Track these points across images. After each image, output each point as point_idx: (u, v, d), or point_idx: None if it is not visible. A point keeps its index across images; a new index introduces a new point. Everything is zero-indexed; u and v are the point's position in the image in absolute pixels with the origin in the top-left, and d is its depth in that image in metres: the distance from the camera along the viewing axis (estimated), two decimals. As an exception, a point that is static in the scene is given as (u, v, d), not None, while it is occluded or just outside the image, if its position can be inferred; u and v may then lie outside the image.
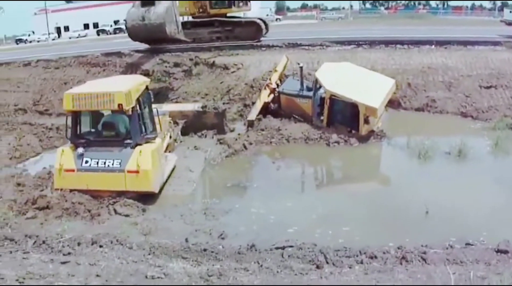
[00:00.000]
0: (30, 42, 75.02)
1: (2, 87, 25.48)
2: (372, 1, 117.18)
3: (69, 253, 7.27)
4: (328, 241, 8.13)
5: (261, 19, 29.94)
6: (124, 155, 11.05)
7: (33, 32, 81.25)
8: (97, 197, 11.03)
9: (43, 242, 7.88)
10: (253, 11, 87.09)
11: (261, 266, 6.45)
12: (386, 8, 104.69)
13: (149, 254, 7.39)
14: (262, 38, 27.97)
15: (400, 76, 20.18)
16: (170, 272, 6.13)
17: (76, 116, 11.55)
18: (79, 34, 78.20)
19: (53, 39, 76.07)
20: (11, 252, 7.27)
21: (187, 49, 26.00)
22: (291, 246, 7.55)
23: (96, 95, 10.97)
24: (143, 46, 26.25)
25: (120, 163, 10.97)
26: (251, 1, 31.37)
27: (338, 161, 14.57)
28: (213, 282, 5.78)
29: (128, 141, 11.26)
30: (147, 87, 12.40)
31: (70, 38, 75.09)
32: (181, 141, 15.90)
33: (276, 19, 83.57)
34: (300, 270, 6.16)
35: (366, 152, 14.45)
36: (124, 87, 11.08)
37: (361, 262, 6.61)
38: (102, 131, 11.78)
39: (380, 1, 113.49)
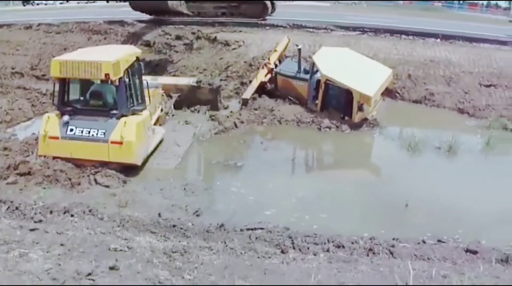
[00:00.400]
0: (38, 4, 74.59)
1: (2, 49, 25.25)
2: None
3: (40, 221, 7.26)
4: (301, 226, 8.12)
5: (267, -3, 29.64)
6: (109, 126, 10.97)
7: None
8: (80, 166, 10.97)
9: (16, 208, 7.88)
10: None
11: (226, 246, 6.40)
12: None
13: (118, 226, 7.36)
14: (267, 17, 27.67)
15: (402, 66, 20.01)
16: (135, 245, 6.07)
17: (64, 83, 11.45)
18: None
19: (61, 3, 75.68)
20: None
21: (191, 22, 25.72)
22: (262, 228, 7.51)
23: (84, 63, 10.82)
24: (147, 16, 26.00)
25: (104, 133, 10.90)
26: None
27: (327, 146, 14.54)
28: (175, 259, 5.73)
29: (114, 111, 11.18)
30: (138, 59, 12.24)
31: (78, 2, 74.55)
32: (173, 115, 15.82)
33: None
34: (264, 253, 6.11)
35: (356, 139, 14.32)
36: (112, 57, 10.95)
37: (327, 250, 6.56)
38: (90, 100, 11.69)
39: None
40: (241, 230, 7.56)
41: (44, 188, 10.15)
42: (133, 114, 11.42)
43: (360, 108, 14.60)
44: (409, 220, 9.01)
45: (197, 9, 27.16)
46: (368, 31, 24.89)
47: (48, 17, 30.29)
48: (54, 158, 11.02)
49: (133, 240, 6.45)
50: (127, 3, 24.41)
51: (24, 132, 14.39)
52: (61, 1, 75.88)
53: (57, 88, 11.43)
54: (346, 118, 15.01)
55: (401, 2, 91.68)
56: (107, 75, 10.61)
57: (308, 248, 6.57)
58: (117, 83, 10.92)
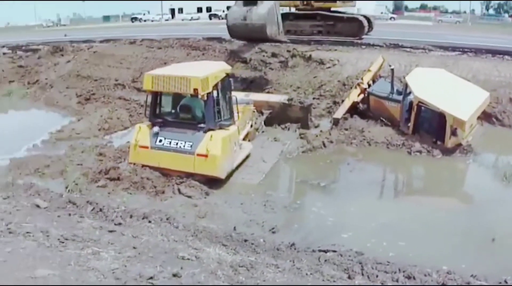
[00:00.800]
0: (145, 21, 78.46)
1: (107, 62, 26.97)
2: (496, 7, 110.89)
3: (119, 224, 7.62)
4: (376, 252, 7.87)
5: (365, 16, 29.36)
6: (196, 138, 11.42)
7: (148, 12, 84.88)
8: (166, 175, 11.50)
9: (100, 210, 8.35)
10: (368, 8, 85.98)
11: (293, 265, 6.39)
12: (511, 16, 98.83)
13: (192, 236, 7.54)
14: (364, 36, 27.41)
15: (503, 89, 18.84)
16: (203, 256, 6.20)
17: (156, 96, 12.14)
18: (191, 17, 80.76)
19: (166, 20, 79.20)
20: (69, 215, 7.72)
21: (288, 40, 26.04)
22: (334, 251, 7.41)
23: (174, 78, 11.39)
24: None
25: (191, 146, 11.36)
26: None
27: (415, 171, 14.05)
28: (240, 273, 5.81)
29: (202, 125, 11.64)
30: (227, 75, 12.58)
31: (182, 20, 77.76)
32: (263, 131, 16.05)
33: (390, 18, 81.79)
34: (329, 277, 6.04)
35: (447, 165, 13.67)
36: (201, 73, 11.39)
37: (396, 280, 6.35)
38: (180, 113, 12.24)
39: (505, 8, 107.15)
40: (313, 250, 7.50)
41: (130, 193, 10.75)
42: (220, 128, 11.80)
43: (454, 133, 13.99)
44: (493, 257, 8.38)
45: (293, 28, 27.51)
46: (468, 51, 23.93)
47: (151, 33, 31.75)
48: (142, 166, 11.66)
49: (203, 250, 6.59)
50: (223, 21, 24.94)
51: (120, 140, 15.23)
52: (166, 19, 79.61)
53: (149, 100, 12.09)
54: (439, 142, 14.42)
55: (510, 19, 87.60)
56: (195, 90, 11.07)
57: (376, 276, 6.38)
58: (205, 97, 11.36)
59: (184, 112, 12.13)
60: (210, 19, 75.47)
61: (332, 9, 28.63)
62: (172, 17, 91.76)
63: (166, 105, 12.68)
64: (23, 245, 5.42)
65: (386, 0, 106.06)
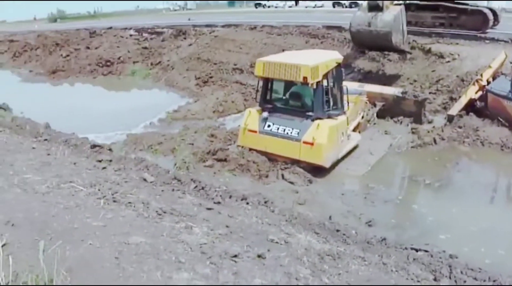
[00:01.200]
0: (269, 7, 79.24)
1: (227, 46, 27.79)
2: None
3: (218, 202, 7.89)
4: (471, 258, 7.52)
5: (490, 9, 27.78)
6: (304, 126, 11.64)
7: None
8: (272, 160, 11.85)
9: (202, 188, 8.68)
10: (499, 1, 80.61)
11: (381, 260, 6.37)
12: None
13: (286, 221, 7.70)
14: (489, 30, 26.02)
15: None
16: (293, 241, 6.30)
17: (267, 82, 12.52)
18: (315, 4, 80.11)
19: (290, 7, 79.23)
20: (173, 190, 8.08)
21: (408, 32, 25.34)
22: (425, 251, 7.30)
23: (285, 65, 11.63)
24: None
25: (298, 133, 11.61)
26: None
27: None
28: (325, 262, 5.91)
29: (310, 113, 11.82)
30: (339, 65, 12.62)
31: (306, 7, 77.42)
32: (374, 123, 15.94)
33: (525, 10, 76.53)
34: (415, 276, 5.95)
35: None
36: (312, 62, 11.54)
37: (484, 289, 6.18)
38: (289, 100, 12.52)
39: None
40: (404, 248, 7.42)
41: (235, 175, 11.21)
42: (328, 117, 11.94)
43: None
44: None
45: (414, 19, 26.68)
46: None
47: (272, 19, 32.13)
48: (250, 149, 12.12)
49: (294, 236, 6.69)
50: (350, 9, 24.58)
51: (232, 123, 15.75)
52: (289, 5, 79.78)
53: (261, 86, 12.47)
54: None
55: None
56: (305, 78, 11.27)
57: (464, 281, 6.20)
58: (314, 86, 11.53)
59: (294, 100, 12.38)
60: (334, 7, 74.50)
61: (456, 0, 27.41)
62: (296, 4, 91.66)
63: (277, 92, 12.99)
64: (124, 213, 5.78)
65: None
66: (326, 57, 12.48)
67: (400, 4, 19.62)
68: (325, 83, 11.92)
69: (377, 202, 10.29)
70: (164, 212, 6.26)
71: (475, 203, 10.83)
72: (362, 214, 9.51)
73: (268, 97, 12.66)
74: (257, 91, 12.73)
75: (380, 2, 18.41)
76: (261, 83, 12.56)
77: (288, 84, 12.66)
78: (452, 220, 9.72)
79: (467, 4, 26.88)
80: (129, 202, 6.30)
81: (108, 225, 5.24)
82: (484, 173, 13.02)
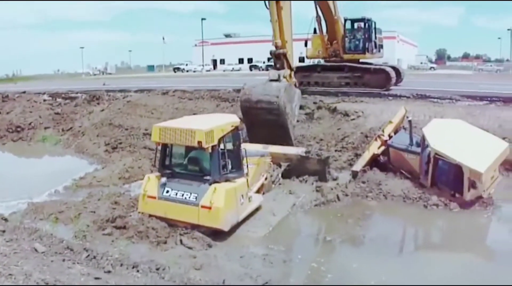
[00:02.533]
0: (187, 71, 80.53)
1: (139, 111, 27.72)
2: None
3: (109, 271, 7.70)
4: None
5: (393, 67, 29.36)
6: (201, 190, 11.53)
7: (191, 62, 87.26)
8: (173, 226, 11.56)
9: (94, 257, 8.45)
10: (409, 59, 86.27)
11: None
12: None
13: (176, 287, 7.52)
14: (393, 87, 27.33)
15: (531, 139, 18.42)
16: None
17: (165, 147, 12.39)
18: (233, 68, 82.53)
19: (208, 70, 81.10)
20: (63, 260, 7.83)
21: (314, 92, 26.24)
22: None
23: (180, 130, 11.64)
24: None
25: (196, 198, 11.47)
26: (383, 49, 30.88)
27: (429, 226, 13.53)
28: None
29: (208, 177, 11.74)
30: (236, 128, 12.70)
31: (224, 70, 79.49)
32: (279, 184, 15.95)
33: (430, 68, 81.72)
34: None
35: (464, 219, 13.25)
36: (206, 126, 11.59)
37: None
38: (188, 165, 12.42)
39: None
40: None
41: (133, 242, 10.81)
42: (226, 180, 11.87)
43: (473, 185, 13.57)
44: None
45: (321, 79, 27.72)
46: (497, 100, 23.62)
47: (185, 84, 32.49)
48: (150, 215, 11.80)
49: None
50: (266, 72, 25.01)
51: (137, 190, 15.22)
52: (207, 69, 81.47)
53: (160, 151, 12.37)
54: (457, 195, 14.06)
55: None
56: (200, 142, 11.26)
57: None
58: (210, 150, 11.51)
59: (192, 164, 12.31)
60: (251, 70, 76.85)
61: (361, 60, 28.74)
62: (214, 68, 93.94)
63: (176, 157, 12.86)
64: None
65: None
66: (222, 121, 12.55)
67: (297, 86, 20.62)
68: (221, 146, 11.93)
69: (276, 263, 10.15)
70: (46, 284, 6.09)
71: (376, 257, 10.89)
72: (258, 276, 9.34)
73: (167, 163, 12.54)
74: (156, 157, 12.67)
75: (281, 75, 18.97)
76: (160, 149, 12.45)
77: (187, 149, 12.58)
78: (351, 276, 9.72)
79: (370, 64, 28.23)
80: (10, 274, 6.09)
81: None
82: (386, 226, 13.29)
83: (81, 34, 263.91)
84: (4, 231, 8.94)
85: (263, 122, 17.45)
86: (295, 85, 20.61)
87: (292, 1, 19.58)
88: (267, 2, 18.52)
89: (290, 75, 19.88)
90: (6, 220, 10.67)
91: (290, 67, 19.90)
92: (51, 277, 6.36)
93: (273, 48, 19.46)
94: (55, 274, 6.65)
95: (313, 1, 26.13)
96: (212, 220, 11.28)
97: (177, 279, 7.95)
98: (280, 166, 16.46)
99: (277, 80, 18.75)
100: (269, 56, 20.95)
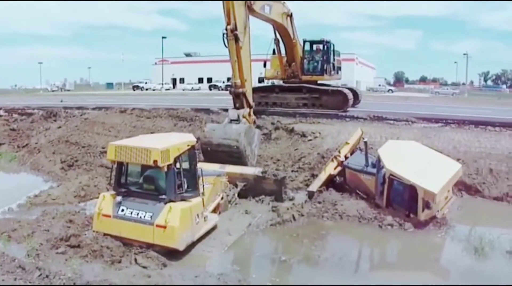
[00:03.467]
0: (147, 89, 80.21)
1: (97, 129, 27.42)
2: (494, 78, 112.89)
3: None
4: None
5: (351, 89, 29.82)
6: (156, 209, 11.43)
7: (150, 80, 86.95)
8: (127, 245, 11.43)
9: (47, 276, 8.42)
10: (367, 81, 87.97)
11: None
12: (510, 87, 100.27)
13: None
14: (351, 109, 27.70)
15: (483, 160, 18.97)
16: None
17: (121, 166, 12.29)
18: (192, 87, 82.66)
19: (167, 89, 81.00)
20: (15, 279, 7.70)
21: (272, 112, 26.42)
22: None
23: (135, 149, 11.55)
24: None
25: (151, 216, 11.36)
26: (341, 71, 31.37)
27: (383, 246, 13.66)
28: None
29: (163, 196, 11.67)
30: (192, 147, 12.71)
31: (183, 89, 79.55)
32: (236, 204, 15.95)
33: (388, 90, 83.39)
34: None
35: (418, 239, 13.40)
36: (162, 145, 11.51)
37: None
38: (143, 183, 12.29)
39: (503, 79, 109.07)
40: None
41: (87, 261, 10.62)
42: (182, 200, 11.82)
43: (427, 206, 13.81)
44: None
45: (279, 100, 27.90)
46: (451, 122, 24.29)
47: (143, 102, 32.29)
48: (105, 234, 11.65)
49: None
50: (225, 92, 24.97)
51: (93, 208, 14.99)
52: (167, 88, 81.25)
53: (115, 170, 12.27)
54: (412, 215, 14.24)
55: (508, 90, 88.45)
56: (155, 161, 11.18)
57: None
58: (165, 169, 11.45)
59: (148, 183, 12.19)
60: (210, 89, 77.22)
61: (319, 82, 29.05)
62: (174, 87, 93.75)
63: (132, 175, 12.76)
64: None
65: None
66: (178, 140, 12.51)
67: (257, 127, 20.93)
68: (177, 165, 11.87)
69: (230, 282, 10.05)
70: None
71: (331, 277, 10.92)
72: (211, 297, 9.25)
73: (122, 181, 12.41)
74: (111, 175, 12.59)
75: (240, 115, 19.23)
76: (115, 167, 12.34)
77: (143, 168, 12.49)
78: (306, 296, 9.68)
79: (328, 85, 28.55)
80: None
81: None
82: (342, 246, 13.31)
83: (40, 49, 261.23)
84: (-46, 249, 8.66)
85: (223, 162, 17.26)
86: (254, 122, 20.89)
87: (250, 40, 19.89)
88: (225, 41, 18.70)
89: (249, 113, 20.07)
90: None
91: (249, 105, 20.09)
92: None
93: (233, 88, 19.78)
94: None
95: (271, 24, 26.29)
96: (167, 239, 11.18)
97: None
98: (236, 186, 16.45)
99: (237, 120, 19.04)
100: (229, 76, 20.97)
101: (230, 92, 20.12)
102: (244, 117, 19.35)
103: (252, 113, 20.56)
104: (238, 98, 19.72)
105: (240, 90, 19.35)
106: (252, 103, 20.49)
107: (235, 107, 19.88)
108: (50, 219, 13.68)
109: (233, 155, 17.70)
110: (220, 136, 18.24)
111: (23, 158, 26.23)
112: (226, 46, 18.75)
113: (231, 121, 19.19)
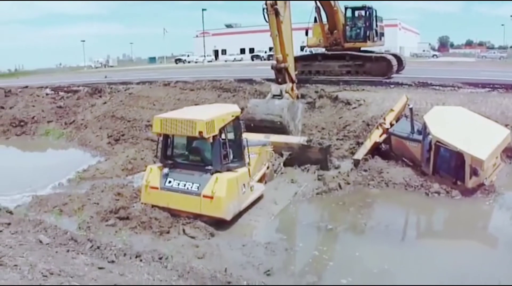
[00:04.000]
0: (189, 62, 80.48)
1: (141, 103, 27.79)
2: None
3: (112, 261, 7.74)
4: None
5: (395, 55, 29.28)
6: (203, 180, 11.56)
7: (192, 53, 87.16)
8: (175, 216, 11.64)
9: (98, 247, 8.46)
10: (411, 46, 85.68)
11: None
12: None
13: (179, 276, 7.59)
14: (395, 75, 27.27)
15: (533, 125, 18.36)
16: None
17: (167, 138, 12.42)
18: (234, 58, 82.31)
19: (209, 61, 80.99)
20: (68, 251, 7.87)
21: (316, 81, 26.24)
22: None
23: (181, 121, 11.68)
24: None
25: (198, 187, 11.52)
26: (384, 37, 30.80)
27: (430, 213, 13.48)
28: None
29: (209, 167, 11.76)
30: (237, 117, 12.73)
31: (225, 61, 79.32)
32: (281, 173, 16.00)
33: (433, 56, 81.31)
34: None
35: (464, 207, 13.17)
36: (207, 116, 11.60)
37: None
38: (189, 155, 12.50)
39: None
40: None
41: (136, 232, 10.92)
42: (228, 170, 11.90)
43: (475, 173, 13.53)
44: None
45: (322, 68, 27.67)
46: (499, 87, 23.54)
47: (186, 75, 32.49)
48: (153, 206, 11.89)
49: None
50: (267, 62, 24.81)
51: (141, 181, 15.36)
52: (209, 60, 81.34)
53: (161, 142, 12.45)
54: (459, 183, 14.01)
55: None
56: (200, 132, 11.28)
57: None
58: (211, 140, 11.54)
59: (194, 154, 12.37)
60: (253, 60, 76.78)
61: (362, 49, 28.65)
62: (216, 58, 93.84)
63: (178, 147, 12.92)
64: (7, 276, 5.61)
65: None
66: (222, 111, 12.55)
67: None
68: (223, 136, 11.94)
69: (278, 251, 10.18)
70: (51, 274, 6.10)
71: (378, 245, 10.85)
72: (260, 264, 9.41)
73: (168, 153, 12.57)
74: (157, 148, 12.75)
75: (283, 90, 19.08)
76: (161, 140, 12.49)
77: (189, 140, 12.63)
78: (353, 264, 9.73)
79: (371, 52, 28.12)
80: (15, 265, 6.13)
81: (-14, 290, 5.05)
82: (388, 214, 13.27)
83: (80, 29, 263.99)
84: (9, 224, 8.99)
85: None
86: (298, 97, 20.67)
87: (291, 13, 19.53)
88: (266, 16, 18.44)
89: (292, 88, 19.92)
90: (11, 213, 10.73)
91: (292, 80, 19.91)
92: (56, 267, 6.40)
93: (274, 62, 19.55)
94: (60, 264, 6.69)
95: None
96: (214, 209, 11.32)
97: (180, 268, 7.98)
98: (282, 155, 16.49)
99: (280, 95, 18.96)
100: (271, 46, 20.83)
101: (272, 67, 19.97)
102: (287, 92, 19.25)
103: (295, 87, 20.38)
104: (281, 73, 19.54)
105: (282, 65, 19.17)
106: (294, 78, 20.30)
107: (278, 82, 19.73)
108: (99, 193, 14.03)
109: (276, 131, 17.57)
110: (263, 112, 18.20)
111: (70, 135, 26.98)
112: (266, 21, 18.54)
113: (274, 96, 19.14)
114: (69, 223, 11.60)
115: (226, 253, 10.03)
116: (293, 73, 19.99)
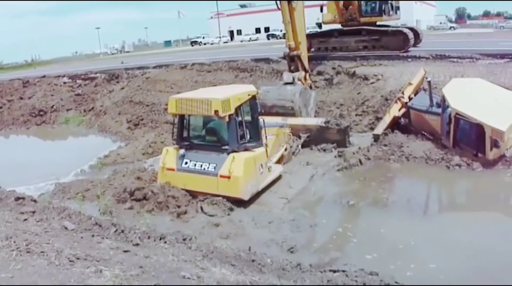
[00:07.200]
0: (204, 44, 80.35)
1: (159, 87, 27.92)
2: None
3: (137, 244, 7.79)
4: (400, 275, 7.54)
5: (411, 29, 28.93)
6: (220, 160, 11.60)
7: (207, 35, 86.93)
8: (192, 196, 11.73)
9: (122, 231, 8.54)
10: (428, 19, 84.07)
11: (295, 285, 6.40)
12: None
13: (203, 256, 7.61)
14: (412, 48, 26.97)
15: (554, 96, 18.08)
16: (206, 276, 6.22)
17: (182, 119, 12.46)
18: (250, 38, 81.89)
19: (225, 42, 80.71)
20: (93, 236, 7.96)
21: (332, 57, 26.09)
22: (343, 271, 7.32)
23: (196, 101, 11.69)
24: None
25: (214, 168, 11.56)
26: (400, 11, 30.37)
27: (452, 186, 13.47)
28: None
29: (226, 147, 11.78)
30: (253, 97, 12.65)
31: (241, 41, 78.92)
32: (300, 154, 16.03)
33: (450, 28, 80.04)
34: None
35: (486, 179, 13.09)
36: (223, 95, 11.56)
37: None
38: (206, 135, 12.53)
39: None
40: (321, 271, 7.44)
41: (154, 215, 11.03)
42: (245, 150, 11.92)
43: (495, 144, 13.40)
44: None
45: (338, 44, 27.48)
46: (518, 57, 22.95)
47: (202, 56, 32.48)
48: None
49: (209, 270, 6.63)
50: (283, 41, 24.71)
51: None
52: (225, 41, 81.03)
53: (177, 123, 12.51)
54: (480, 155, 13.93)
55: None
56: (216, 111, 11.27)
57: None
58: (226, 119, 11.52)
59: (210, 135, 12.41)
60: (268, 39, 76.34)
61: (378, 23, 28.35)
62: (231, 39, 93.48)
63: (194, 128, 12.97)
64: (34, 263, 5.67)
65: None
66: (238, 91, 12.52)
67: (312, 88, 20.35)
68: (239, 115, 11.94)
69: (302, 228, 10.27)
70: (78, 259, 6.15)
71: (402, 219, 10.88)
72: (284, 242, 9.50)
73: (184, 134, 12.62)
74: (173, 129, 12.78)
75: (295, 77, 18.88)
76: (177, 121, 12.55)
77: (204, 120, 12.68)
78: (378, 239, 9.74)
79: (387, 26, 27.83)
80: (42, 252, 6.18)
81: (16, 276, 5.16)
82: (410, 188, 13.28)
83: (94, 16, 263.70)
84: (34, 212, 9.11)
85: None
86: (310, 86, 20.43)
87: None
88: (278, 2, 18.22)
89: (305, 77, 19.73)
90: (35, 201, 10.84)
91: (304, 69, 19.71)
92: (82, 252, 6.48)
93: (287, 50, 19.36)
94: (85, 249, 6.77)
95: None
96: (232, 189, 11.37)
97: (204, 248, 8.09)
98: (299, 137, 16.49)
99: (292, 83, 18.74)
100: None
101: (284, 55, 19.80)
102: (299, 79, 19.06)
103: (308, 77, 20.19)
104: (293, 61, 19.35)
105: (295, 52, 18.96)
106: (308, 67, 20.10)
107: (290, 70, 19.53)
108: (121, 178, 14.23)
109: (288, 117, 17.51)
110: (274, 98, 18.10)
111: (90, 121, 27.38)
112: (278, 8, 18.33)
113: (286, 84, 18.94)
114: (91, 208, 11.73)
115: (249, 231, 10.21)
116: (306, 62, 19.80)
